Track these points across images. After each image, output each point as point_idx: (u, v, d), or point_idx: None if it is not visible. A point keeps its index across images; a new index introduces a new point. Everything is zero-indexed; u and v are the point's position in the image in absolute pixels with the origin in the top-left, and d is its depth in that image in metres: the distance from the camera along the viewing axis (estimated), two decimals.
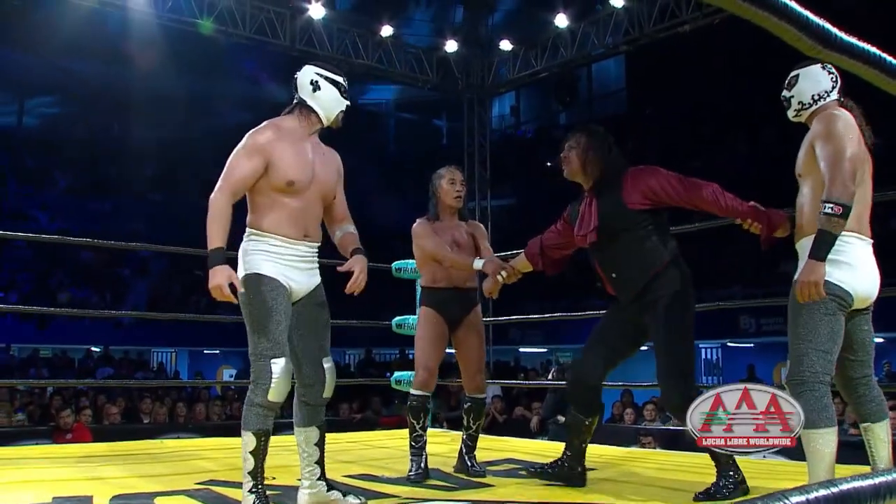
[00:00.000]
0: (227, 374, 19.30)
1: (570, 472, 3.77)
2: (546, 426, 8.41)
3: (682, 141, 21.25)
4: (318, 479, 3.32)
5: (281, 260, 3.21)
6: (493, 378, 11.96)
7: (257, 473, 3.13)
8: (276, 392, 3.10)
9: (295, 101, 3.43)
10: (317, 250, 3.34)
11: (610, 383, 11.39)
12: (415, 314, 6.29)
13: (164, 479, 3.97)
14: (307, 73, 3.39)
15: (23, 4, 16.26)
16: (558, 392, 7.78)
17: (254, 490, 3.12)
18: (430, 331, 4.32)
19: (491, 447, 5.42)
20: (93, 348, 20.08)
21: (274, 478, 3.81)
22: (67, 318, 19.24)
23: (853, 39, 1.52)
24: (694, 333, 3.52)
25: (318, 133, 3.43)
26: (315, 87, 3.36)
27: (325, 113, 3.40)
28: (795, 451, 3.03)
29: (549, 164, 26.09)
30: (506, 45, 14.15)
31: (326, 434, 3.34)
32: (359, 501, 3.32)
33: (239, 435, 3.20)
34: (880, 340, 15.79)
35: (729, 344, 17.83)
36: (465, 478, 4.12)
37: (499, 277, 3.97)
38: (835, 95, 3.21)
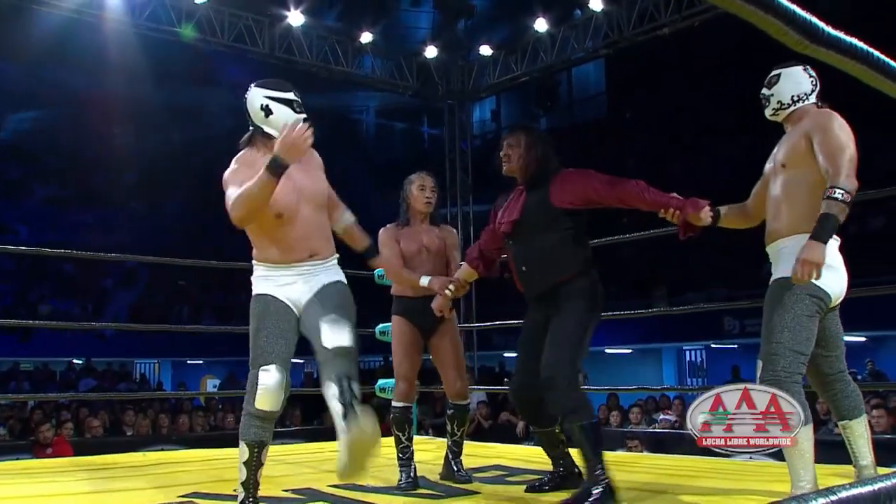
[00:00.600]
0: (211, 384, 19.19)
1: (565, 480, 3.78)
2: (532, 431, 8.39)
3: (661, 145, 21.33)
4: None
5: (280, 280, 3.20)
6: (477, 384, 11.94)
7: (249, 485, 3.09)
8: (263, 400, 3.04)
9: (251, 129, 3.31)
10: (327, 260, 3.28)
11: (595, 387, 11.30)
12: None
13: (147, 493, 3.92)
14: (256, 98, 3.24)
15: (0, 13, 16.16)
16: None
17: (245, 502, 3.08)
18: (403, 341, 4.32)
19: (477, 453, 5.40)
20: (75, 360, 19.94)
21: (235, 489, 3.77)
22: (49, 331, 19.09)
23: (840, 34, 1.51)
24: (588, 345, 3.54)
25: None
26: (266, 112, 3.22)
27: None
28: (780, 453, 3.02)
29: None
30: (486, 50, 14.15)
31: (311, 443, 3.31)
32: None
33: (223, 446, 3.17)
34: (863, 339, 15.97)
35: (713, 345, 17.88)
36: (452, 485, 4.09)
37: (447, 293, 3.96)
38: (813, 98, 3.24)
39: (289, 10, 12.20)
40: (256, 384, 3.04)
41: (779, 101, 3.28)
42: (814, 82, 3.26)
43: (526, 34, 13.72)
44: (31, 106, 27.51)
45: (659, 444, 7.73)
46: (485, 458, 5.18)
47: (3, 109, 27.66)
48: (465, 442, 4.47)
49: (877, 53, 1.62)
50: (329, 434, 4.57)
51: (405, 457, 4.20)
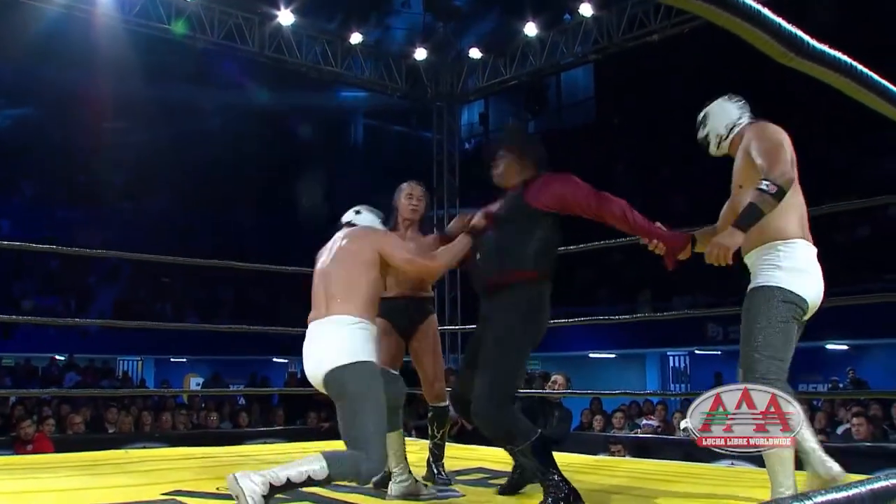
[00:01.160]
0: (194, 382, 19.10)
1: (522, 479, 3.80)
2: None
3: (650, 151, 21.39)
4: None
5: None
6: None
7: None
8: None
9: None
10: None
11: (579, 391, 11.28)
12: None
13: (130, 490, 3.91)
14: (355, 207, 3.81)
15: None
16: (526, 401, 7.78)
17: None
18: (382, 342, 4.32)
19: (461, 455, 5.41)
20: (57, 357, 19.81)
21: (217, 488, 3.78)
22: (31, 326, 18.97)
23: (824, 47, 1.53)
24: (522, 359, 3.55)
25: None
26: (357, 212, 3.74)
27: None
28: (761, 459, 3.04)
29: None
30: (475, 53, 14.17)
31: (295, 443, 3.31)
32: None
33: (206, 444, 3.16)
34: (845, 347, 16.04)
35: (697, 352, 17.93)
36: (436, 486, 4.10)
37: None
38: (746, 119, 3.29)
39: (279, 8, 12.20)
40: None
41: (717, 136, 3.36)
42: (740, 105, 3.35)
43: (516, 38, 13.75)
44: (18, 102, 27.35)
45: (642, 449, 7.75)
46: (467, 460, 5.19)
47: None
48: (448, 444, 4.49)
49: (860, 67, 1.64)
50: (311, 434, 4.57)
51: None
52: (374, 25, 19.12)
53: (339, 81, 15.09)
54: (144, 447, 7.77)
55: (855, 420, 7.78)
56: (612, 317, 8.88)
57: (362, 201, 3.90)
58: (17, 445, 8.40)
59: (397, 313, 4.28)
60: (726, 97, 3.37)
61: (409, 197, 4.48)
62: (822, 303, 3.15)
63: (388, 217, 4.45)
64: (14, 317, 14.88)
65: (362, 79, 14.05)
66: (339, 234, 3.59)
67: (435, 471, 4.34)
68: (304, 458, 2.98)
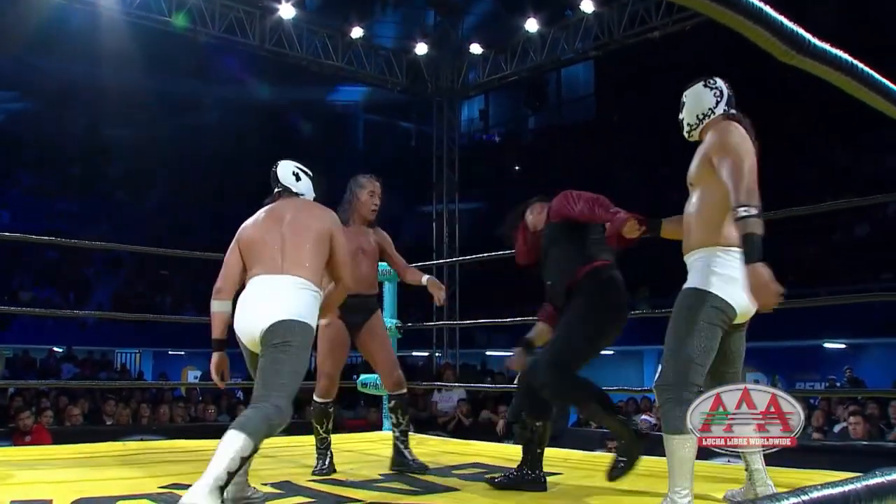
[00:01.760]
0: (192, 375, 19.12)
1: (529, 478, 3.84)
2: (512, 430, 8.42)
3: (650, 147, 21.39)
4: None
5: None
6: (459, 381, 11.94)
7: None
8: None
9: (278, 189, 3.76)
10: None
11: None
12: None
13: (127, 483, 3.91)
14: (287, 167, 3.82)
15: None
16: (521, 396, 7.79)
17: None
18: (333, 339, 4.40)
19: (457, 451, 5.41)
20: (55, 348, 19.83)
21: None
22: (30, 318, 18.98)
23: (825, 46, 1.53)
24: (597, 335, 3.74)
25: None
26: (296, 178, 3.79)
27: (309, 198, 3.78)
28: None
29: (517, 167, 26.16)
30: (476, 48, 14.16)
31: (290, 437, 3.33)
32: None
33: (204, 437, 3.17)
34: (842, 346, 16.06)
35: None
36: (431, 481, 4.10)
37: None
38: (720, 110, 3.25)
39: (280, 2, 12.19)
40: None
41: (688, 123, 3.35)
42: (717, 94, 3.28)
43: (516, 34, 13.74)
44: (16, 93, 27.32)
45: None
46: (464, 455, 5.19)
47: None
48: (445, 439, 4.50)
49: (861, 65, 1.64)
50: (307, 428, 4.58)
51: (323, 447, 4.40)
52: (375, 20, 19.08)
53: (340, 76, 15.09)
54: (142, 439, 7.77)
55: (852, 419, 7.79)
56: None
57: None
58: (15, 437, 8.41)
59: (346, 311, 4.23)
60: (703, 82, 3.33)
61: (371, 195, 4.49)
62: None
63: (339, 208, 4.43)
64: (12, 308, 14.92)
65: (363, 73, 14.05)
66: (288, 202, 3.65)
67: (408, 457, 4.37)
68: (223, 445, 2.88)
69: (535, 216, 4.10)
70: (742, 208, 2.81)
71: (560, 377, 3.58)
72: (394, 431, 4.51)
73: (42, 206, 24.04)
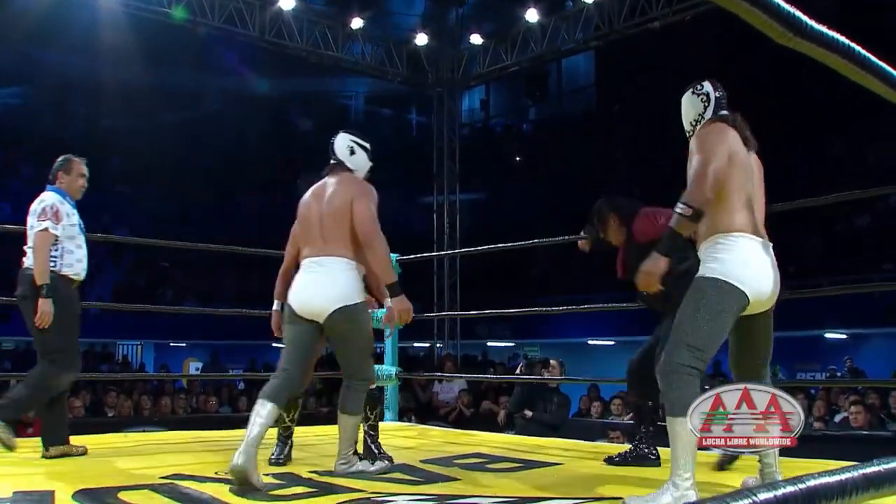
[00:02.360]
0: (193, 366, 19.13)
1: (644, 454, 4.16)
2: (513, 420, 8.43)
3: (650, 139, 21.38)
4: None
5: None
6: (460, 372, 11.96)
7: None
8: None
9: (333, 162, 4.04)
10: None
11: (577, 378, 11.30)
12: (382, 307, 6.28)
13: (128, 474, 3.93)
14: (344, 140, 4.09)
15: None
16: (525, 386, 7.80)
17: None
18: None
19: (458, 441, 5.42)
20: None
21: (216, 472, 3.80)
22: None
23: (823, 28, 1.52)
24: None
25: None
26: (351, 151, 4.06)
27: (359, 173, 4.04)
28: None
29: (517, 158, 26.14)
30: (476, 38, 14.14)
31: (296, 428, 3.35)
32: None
33: (205, 428, 3.19)
34: (844, 336, 16.07)
35: None
36: (432, 470, 4.11)
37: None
38: (709, 115, 3.36)
39: None
40: None
41: (686, 129, 3.46)
42: (704, 100, 3.38)
43: (517, 24, 13.72)
44: (17, 85, 27.29)
45: None
46: (466, 445, 5.20)
47: None
48: (447, 429, 4.50)
49: (859, 49, 1.63)
50: (311, 419, 4.59)
51: (285, 434, 4.41)
52: (375, 10, 19.05)
53: (340, 66, 15.06)
54: (143, 431, 7.79)
55: (853, 408, 7.80)
56: (611, 304, 8.89)
57: None
58: (17, 429, 8.41)
59: None
60: (692, 90, 3.43)
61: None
62: (780, 296, 3.15)
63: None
64: (14, 299, 14.93)
65: (363, 64, 14.03)
66: (331, 179, 3.95)
67: (377, 451, 4.33)
68: (340, 427, 3.88)
69: (613, 232, 4.48)
70: (681, 205, 3.02)
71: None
72: (363, 425, 4.39)
73: None
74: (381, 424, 4.50)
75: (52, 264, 4.51)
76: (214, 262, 22.96)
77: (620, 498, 3.15)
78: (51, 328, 4.44)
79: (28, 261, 4.53)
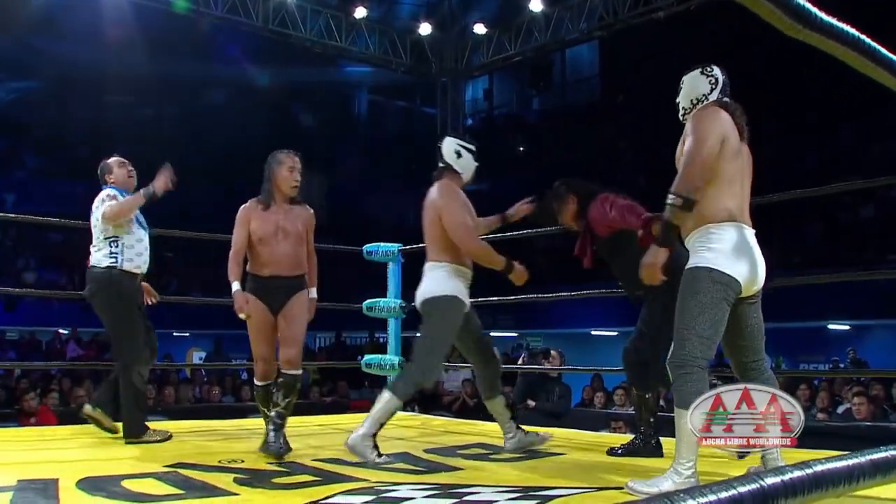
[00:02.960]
0: (197, 356, 19.15)
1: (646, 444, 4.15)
2: (516, 410, 8.45)
3: (655, 130, 21.33)
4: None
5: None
6: (462, 362, 11.97)
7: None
8: None
9: (441, 166, 4.26)
10: None
11: (579, 368, 11.27)
12: (386, 297, 6.29)
13: (132, 462, 3.94)
14: (451, 144, 4.27)
15: None
16: (528, 377, 7.81)
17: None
18: (257, 322, 4.31)
19: (461, 430, 5.43)
20: (61, 330, 19.87)
21: (242, 460, 3.80)
22: (35, 300, 19.00)
23: (832, 20, 1.52)
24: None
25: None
26: (458, 154, 4.26)
27: (466, 174, 4.27)
28: None
29: (521, 149, 26.08)
30: (480, 28, 14.11)
31: (298, 417, 3.34)
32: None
33: (209, 418, 3.18)
34: (847, 328, 16.03)
35: None
36: (434, 460, 4.11)
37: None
38: (713, 97, 3.35)
39: None
40: None
41: (683, 107, 3.45)
42: (712, 82, 3.38)
43: (521, 14, 13.69)
44: (21, 75, 27.25)
45: None
46: (468, 435, 5.21)
47: None
48: (450, 419, 4.49)
49: (868, 40, 1.62)
50: (314, 408, 4.59)
51: (279, 422, 4.26)
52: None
53: (343, 56, 15.03)
54: (147, 420, 7.80)
55: (856, 400, 7.79)
56: (614, 291, 8.87)
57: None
58: (20, 418, 8.44)
59: (269, 292, 4.26)
60: (701, 70, 3.42)
61: (290, 170, 4.35)
62: (766, 284, 3.17)
63: (261, 188, 4.39)
64: (18, 290, 14.93)
65: (366, 54, 14.01)
66: (434, 187, 4.23)
67: (273, 440, 4.17)
68: (379, 400, 4.00)
69: (570, 214, 4.39)
70: (672, 196, 3.05)
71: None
72: (270, 410, 4.31)
73: (47, 188, 24.03)
74: None
75: (112, 260, 4.64)
76: (218, 252, 22.94)
77: (622, 487, 3.15)
78: (117, 322, 4.67)
79: (94, 259, 4.69)
